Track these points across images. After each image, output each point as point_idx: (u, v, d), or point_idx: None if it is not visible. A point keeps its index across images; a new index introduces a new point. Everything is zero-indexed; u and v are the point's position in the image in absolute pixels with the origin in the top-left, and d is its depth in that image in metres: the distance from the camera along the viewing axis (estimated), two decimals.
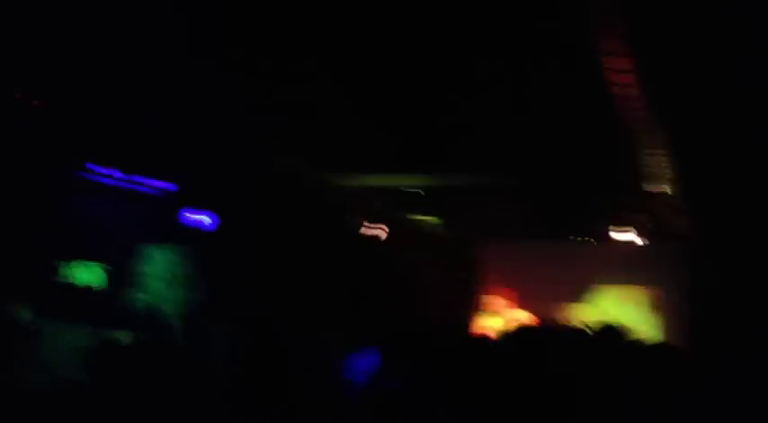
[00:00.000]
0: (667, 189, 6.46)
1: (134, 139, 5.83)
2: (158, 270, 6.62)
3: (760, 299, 5.16)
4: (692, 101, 4.92)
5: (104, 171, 5.84)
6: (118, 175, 5.93)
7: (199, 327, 6.60)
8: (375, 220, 7.82)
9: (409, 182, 7.43)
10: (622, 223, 8.02)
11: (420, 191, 7.47)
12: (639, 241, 8.05)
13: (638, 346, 3.10)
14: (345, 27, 4.73)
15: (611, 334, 3.82)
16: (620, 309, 8.78)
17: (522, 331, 3.78)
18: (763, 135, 4.99)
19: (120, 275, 6.36)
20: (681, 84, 4.58)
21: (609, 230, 8.07)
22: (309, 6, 4.56)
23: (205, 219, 6.71)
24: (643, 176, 6.55)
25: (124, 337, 5.94)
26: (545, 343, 3.35)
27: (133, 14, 4.42)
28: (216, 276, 6.90)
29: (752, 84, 4.36)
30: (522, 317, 7.35)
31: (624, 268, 8.65)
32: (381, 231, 8.01)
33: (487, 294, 8.07)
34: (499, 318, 7.29)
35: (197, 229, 6.75)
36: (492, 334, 5.41)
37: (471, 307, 9.01)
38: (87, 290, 6.10)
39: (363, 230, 7.86)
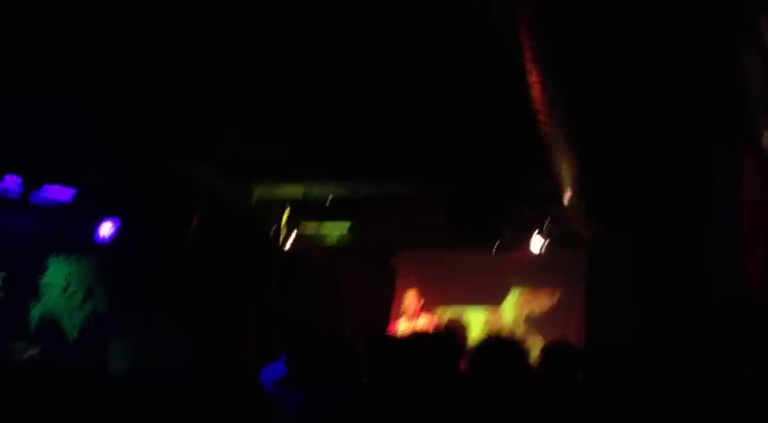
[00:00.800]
0: (573, 196, 6.59)
1: (31, 147, 5.62)
2: (57, 280, 6.39)
3: (653, 299, 5.34)
4: (592, 102, 5.03)
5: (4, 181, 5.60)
6: (15, 182, 5.68)
7: (98, 339, 6.41)
8: (286, 228, 7.72)
9: (320, 191, 7.38)
10: (532, 230, 8.19)
11: (330, 199, 7.42)
12: (544, 247, 8.23)
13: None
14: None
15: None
16: (527, 311, 9.04)
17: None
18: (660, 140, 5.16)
19: (19, 286, 6.11)
20: (581, 85, 4.68)
21: (520, 237, 8.23)
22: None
23: (106, 227, 6.51)
24: (554, 183, 6.68)
25: (21, 348, 5.74)
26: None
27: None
28: (117, 287, 6.70)
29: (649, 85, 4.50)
30: (434, 322, 7.43)
31: (532, 273, 8.89)
32: (292, 240, 7.92)
33: (402, 301, 8.10)
34: (413, 323, 7.33)
35: (97, 238, 6.54)
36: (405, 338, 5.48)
37: (386, 313, 9.05)
38: None
39: (274, 239, 7.76)
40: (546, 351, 4.17)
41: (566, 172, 6.00)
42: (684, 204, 5.07)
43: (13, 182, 5.62)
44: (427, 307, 7.95)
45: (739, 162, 4.13)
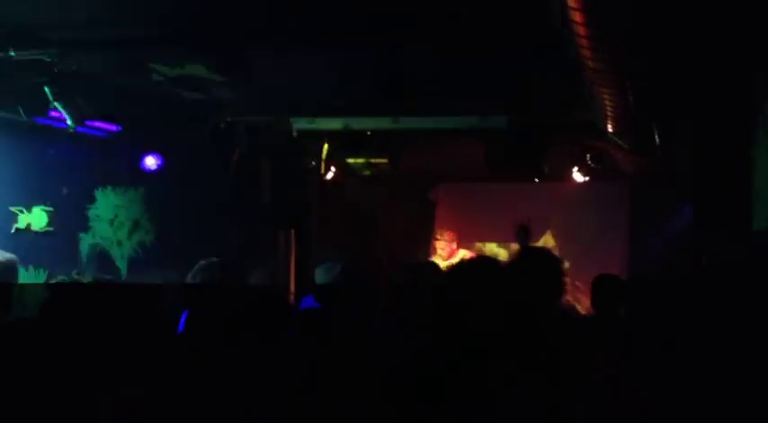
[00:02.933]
0: (614, 127, 6.51)
1: (77, 80, 5.70)
2: (105, 212, 6.56)
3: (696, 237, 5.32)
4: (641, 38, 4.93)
5: (48, 113, 5.70)
6: (62, 117, 5.79)
7: (145, 270, 6.59)
8: (326, 161, 7.78)
9: (360, 124, 7.39)
10: (572, 163, 8.13)
11: (369, 132, 7.43)
12: (586, 180, 8.17)
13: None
14: None
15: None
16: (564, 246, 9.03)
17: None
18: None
19: (67, 218, 6.29)
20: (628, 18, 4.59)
21: (560, 171, 8.18)
22: None
23: (150, 161, 6.63)
24: (596, 116, 6.60)
25: (74, 277, 5.94)
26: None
27: None
28: (162, 220, 6.85)
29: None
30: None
31: (573, 208, 8.85)
32: (332, 173, 7.99)
33: (441, 235, 8.16)
34: (453, 258, 7.38)
35: (143, 170, 6.67)
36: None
37: (425, 247, 9.14)
38: (34, 233, 6.05)
39: (314, 172, 7.83)
40: (594, 284, 4.20)
41: (609, 104, 5.92)
42: (726, 136, 5.00)
43: (58, 115, 5.72)
44: (464, 243, 7.99)
45: None
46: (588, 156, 7.81)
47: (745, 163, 4.84)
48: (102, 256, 6.42)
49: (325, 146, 7.56)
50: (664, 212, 7.74)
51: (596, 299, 4.14)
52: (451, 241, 7.41)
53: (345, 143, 7.68)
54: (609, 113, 6.03)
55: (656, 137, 6.33)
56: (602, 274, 4.36)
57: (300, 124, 7.32)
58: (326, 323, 3.35)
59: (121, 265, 6.56)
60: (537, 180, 8.56)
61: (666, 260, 7.09)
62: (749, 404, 2.66)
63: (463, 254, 7.51)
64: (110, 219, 6.59)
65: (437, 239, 8.02)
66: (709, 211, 5.50)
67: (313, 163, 7.71)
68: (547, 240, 9.06)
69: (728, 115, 4.96)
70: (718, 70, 4.86)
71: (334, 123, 7.32)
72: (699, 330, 3.09)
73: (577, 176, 8.11)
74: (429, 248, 8.91)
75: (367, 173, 8.32)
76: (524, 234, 5.17)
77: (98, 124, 6.07)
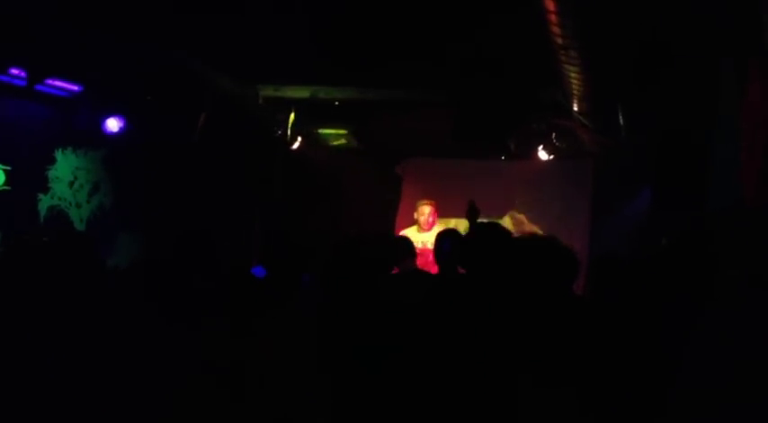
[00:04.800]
0: (580, 107, 6.55)
1: (38, 38, 5.58)
2: (64, 174, 6.46)
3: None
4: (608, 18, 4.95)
5: (9, 71, 5.58)
6: (22, 75, 5.67)
7: (104, 233, 6.53)
8: (292, 130, 7.72)
9: (327, 93, 7.34)
10: (538, 141, 8.17)
11: (337, 103, 7.39)
12: (550, 158, 8.22)
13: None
14: None
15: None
16: (532, 223, 9.10)
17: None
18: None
19: (25, 178, 6.18)
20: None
21: (526, 148, 8.21)
22: None
23: (112, 123, 6.53)
24: (562, 95, 6.63)
25: (31, 237, 5.86)
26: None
27: None
28: (123, 183, 6.78)
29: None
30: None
31: (538, 185, 8.92)
32: (299, 142, 7.94)
33: (417, 211, 8.14)
34: (422, 235, 7.35)
35: (104, 133, 6.57)
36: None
37: (390, 218, 9.14)
38: None
39: (280, 140, 7.78)
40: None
41: (575, 84, 5.96)
42: (691, 117, 5.05)
43: (17, 72, 5.60)
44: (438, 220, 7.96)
45: (745, 74, 4.10)
46: (554, 134, 7.86)
47: (704, 146, 4.90)
48: (60, 218, 6.33)
49: (292, 115, 7.51)
50: (625, 193, 7.84)
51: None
52: (431, 214, 7.36)
53: (313, 113, 7.64)
54: (575, 92, 6.06)
55: (620, 118, 6.39)
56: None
57: (267, 92, 7.26)
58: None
59: (80, 227, 6.48)
60: (503, 158, 8.59)
61: (625, 240, 7.19)
62: (708, 380, 2.70)
63: (439, 228, 7.48)
64: (69, 180, 6.49)
65: (418, 212, 7.92)
66: (669, 193, 5.57)
67: (279, 132, 7.66)
68: (512, 216, 9.13)
69: (691, 99, 5.02)
70: (683, 53, 4.89)
71: (301, 92, 7.26)
72: (655, 309, 3.13)
73: (542, 155, 8.17)
74: (394, 220, 8.92)
75: (334, 144, 8.29)
76: (473, 213, 5.17)
77: (59, 83, 5.96)
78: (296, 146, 7.90)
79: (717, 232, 3.44)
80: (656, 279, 3.34)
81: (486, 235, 3.17)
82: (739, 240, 3.02)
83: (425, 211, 7.24)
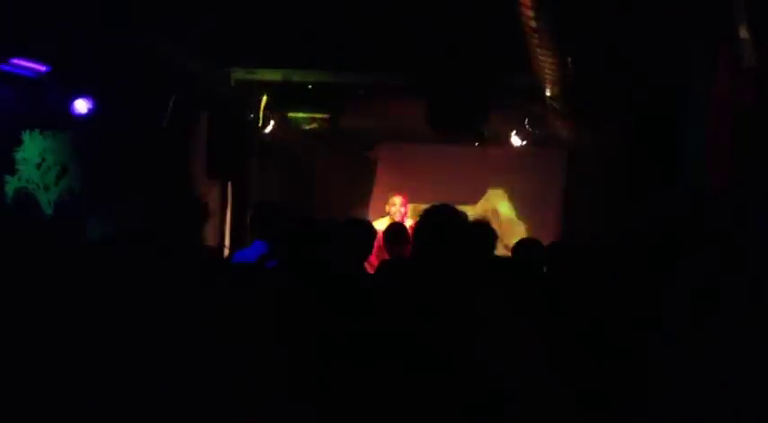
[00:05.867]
0: (552, 91, 6.57)
1: (2, 17, 5.46)
2: (32, 155, 6.35)
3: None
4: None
5: None
6: None
7: (73, 216, 6.44)
8: (265, 114, 7.66)
9: (300, 76, 7.29)
10: (512, 127, 8.19)
11: (310, 86, 7.34)
12: (524, 144, 8.25)
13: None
14: None
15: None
16: (505, 209, 9.15)
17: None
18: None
19: None
20: None
21: (500, 134, 8.23)
22: None
23: (80, 104, 6.43)
24: (536, 80, 6.64)
25: None
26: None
27: None
28: (92, 165, 6.68)
29: None
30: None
31: (511, 171, 8.95)
32: (271, 126, 7.87)
33: (388, 202, 8.10)
34: (393, 218, 7.33)
35: (72, 115, 6.46)
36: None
37: (363, 203, 9.14)
38: None
39: (253, 124, 7.71)
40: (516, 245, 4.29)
41: (548, 69, 5.97)
42: (661, 103, 5.08)
43: None
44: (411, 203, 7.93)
45: (715, 61, 4.12)
46: (527, 120, 7.88)
47: (674, 132, 4.93)
48: (27, 201, 6.23)
49: (264, 97, 7.44)
50: (597, 180, 7.88)
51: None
52: (402, 205, 7.31)
53: (286, 97, 7.57)
54: (548, 76, 6.08)
55: (593, 104, 6.41)
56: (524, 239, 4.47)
57: (239, 74, 7.19)
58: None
59: (48, 210, 6.38)
60: (477, 144, 8.60)
61: (597, 227, 7.24)
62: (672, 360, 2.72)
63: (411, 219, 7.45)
64: (37, 162, 6.38)
65: (389, 203, 7.86)
66: (640, 178, 5.61)
67: (252, 115, 7.59)
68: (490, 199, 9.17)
69: (662, 83, 5.04)
70: (654, 38, 4.91)
71: (273, 74, 7.20)
72: (613, 291, 3.16)
73: (515, 140, 8.19)
74: (367, 205, 8.91)
75: (307, 128, 8.24)
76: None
77: (25, 64, 5.84)
78: (268, 130, 7.84)
79: (684, 217, 3.47)
80: (622, 263, 3.37)
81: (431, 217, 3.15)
82: (705, 225, 3.04)
83: (396, 201, 7.20)
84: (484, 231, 4.00)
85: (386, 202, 7.43)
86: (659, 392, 2.57)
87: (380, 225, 7.11)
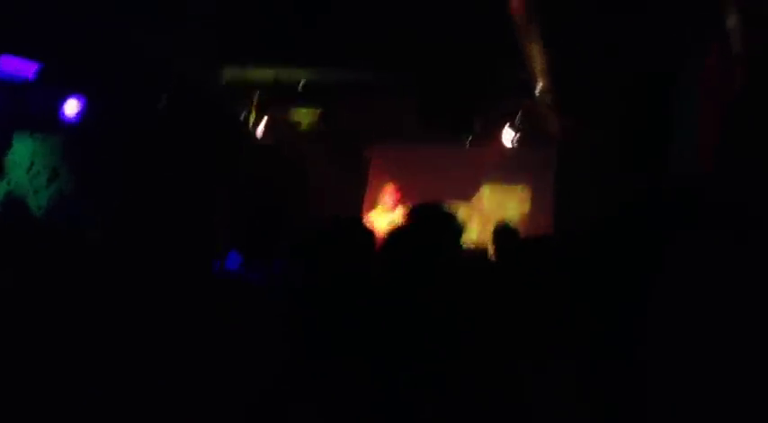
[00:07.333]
0: (544, 89, 6.56)
1: None
2: (22, 159, 6.34)
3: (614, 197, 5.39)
4: None
5: None
6: None
7: (63, 220, 6.41)
8: (256, 113, 7.64)
9: (291, 75, 7.27)
10: (504, 123, 8.16)
11: (302, 85, 7.32)
12: (516, 142, 8.22)
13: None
14: None
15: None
16: (500, 207, 9.12)
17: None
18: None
19: None
20: None
21: (491, 131, 8.21)
22: None
23: (71, 106, 6.40)
24: (526, 76, 6.64)
25: None
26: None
27: None
28: (83, 169, 6.66)
29: None
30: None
31: (504, 168, 8.92)
32: (263, 126, 7.85)
33: (379, 192, 8.11)
34: (387, 215, 7.34)
35: (62, 117, 6.44)
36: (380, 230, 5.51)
37: (357, 203, 9.10)
38: None
39: (244, 123, 7.69)
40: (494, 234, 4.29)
41: (538, 65, 5.96)
42: (650, 89, 5.06)
43: None
44: (404, 201, 7.94)
45: (705, 47, 4.11)
46: (518, 116, 7.85)
47: (665, 118, 4.91)
48: (14, 205, 6.20)
49: (256, 97, 7.42)
50: (588, 168, 7.85)
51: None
52: (395, 191, 7.39)
53: (277, 96, 7.55)
54: (537, 67, 6.07)
55: (582, 91, 6.39)
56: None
57: (230, 74, 7.16)
58: None
59: (38, 214, 6.35)
60: (468, 141, 8.58)
61: (588, 214, 7.20)
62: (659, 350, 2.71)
63: (403, 211, 7.45)
64: (26, 166, 6.37)
65: (381, 192, 7.90)
66: (631, 164, 5.59)
67: (243, 114, 7.57)
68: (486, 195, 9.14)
69: (652, 69, 5.03)
70: (645, 25, 4.90)
71: (265, 73, 7.18)
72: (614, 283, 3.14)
73: (508, 135, 8.15)
74: (360, 204, 8.87)
75: (299, 128, 8.22)
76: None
77: (15, 66, 5.83)
78: (260, 129, 7.81)
79: (672, 200, 3.46)
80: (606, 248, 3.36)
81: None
82: (693, 207, 3.03)
83: (388, 188, 7.27)
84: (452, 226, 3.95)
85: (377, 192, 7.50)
86: (650, 390, 2.55)
87: (376, 216, 7.17)
